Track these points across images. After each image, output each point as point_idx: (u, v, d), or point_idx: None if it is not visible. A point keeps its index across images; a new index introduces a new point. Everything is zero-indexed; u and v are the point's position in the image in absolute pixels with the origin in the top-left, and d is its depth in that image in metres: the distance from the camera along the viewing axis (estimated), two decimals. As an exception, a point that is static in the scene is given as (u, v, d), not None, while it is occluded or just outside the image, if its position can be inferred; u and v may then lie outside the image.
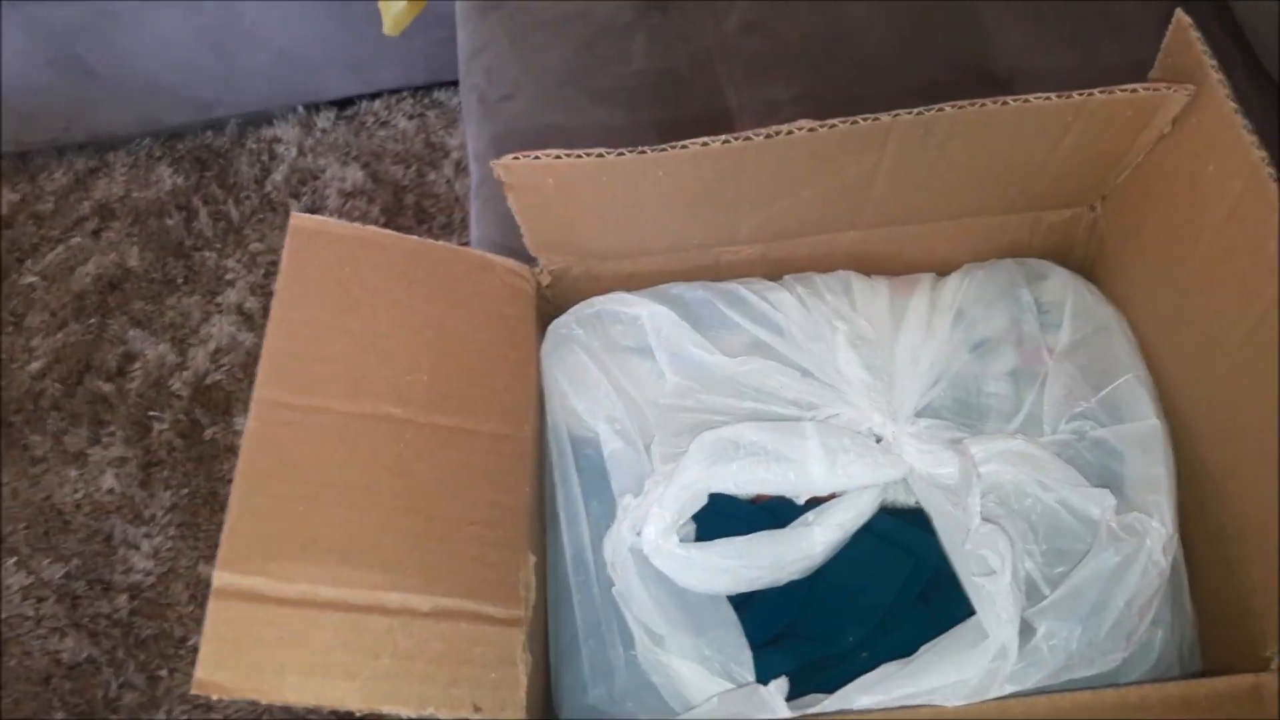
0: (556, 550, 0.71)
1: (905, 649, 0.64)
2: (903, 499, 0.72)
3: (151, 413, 1.41)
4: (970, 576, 0.63)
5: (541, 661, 0.69)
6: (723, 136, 0.64)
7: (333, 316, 0.70)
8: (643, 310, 0.76)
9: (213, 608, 0.58)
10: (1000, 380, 0.73)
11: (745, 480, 0.68)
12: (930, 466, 0.69)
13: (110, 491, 1.37)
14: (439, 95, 1.60)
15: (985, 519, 0.65)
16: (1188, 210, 0.68)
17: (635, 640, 0.66)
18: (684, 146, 0.65)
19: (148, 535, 1.34)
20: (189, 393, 1.43)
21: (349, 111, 1.60)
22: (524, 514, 0.68)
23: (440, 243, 0.75)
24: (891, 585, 0.70)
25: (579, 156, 0.65)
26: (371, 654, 0.59)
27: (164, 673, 1.27)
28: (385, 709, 0.58)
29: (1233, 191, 0.63)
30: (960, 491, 0.66)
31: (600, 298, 0.78)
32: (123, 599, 1.31)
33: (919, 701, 0.60)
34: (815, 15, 1.07)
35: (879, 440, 0.71)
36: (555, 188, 0.68)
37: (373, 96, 1.60)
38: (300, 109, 1.60)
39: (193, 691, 0.56)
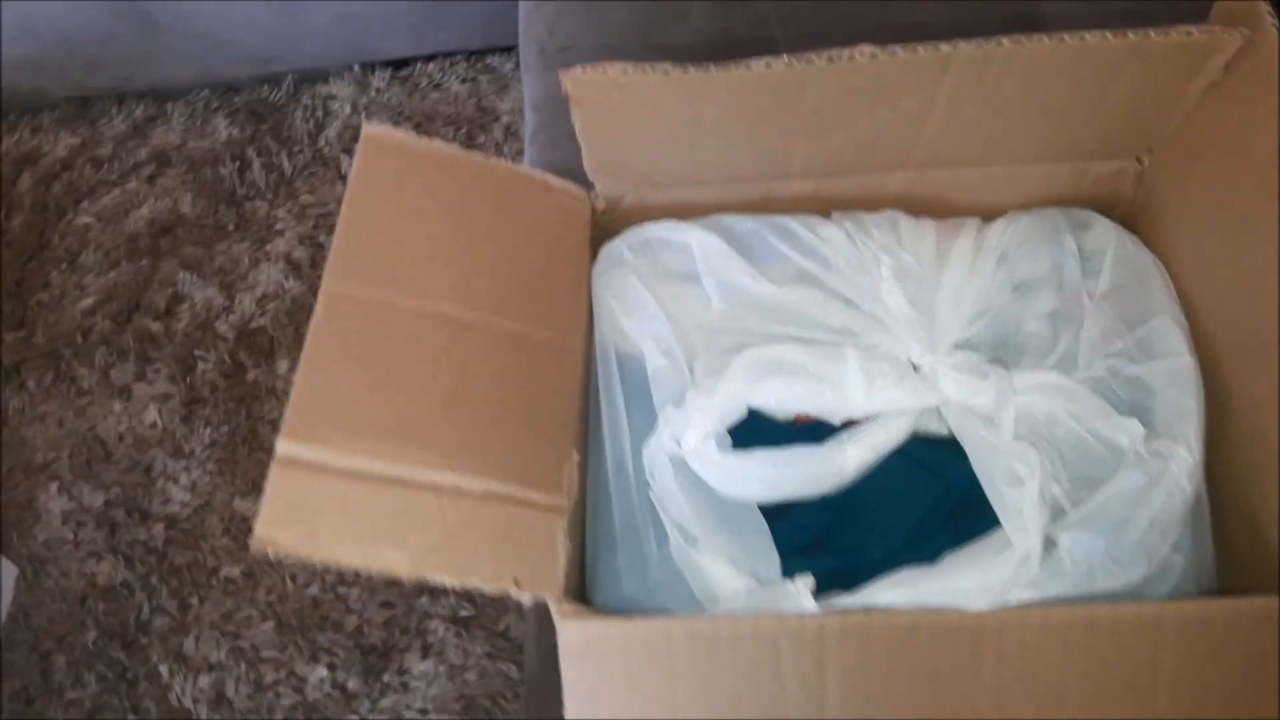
0: (598, 456, 0.73)
1: (929, 565, 0.66)
2: (935, 428, 0.74)
3: (197, 352, 1.45)
4: (999, 487, 0.65)
5: (578, 555, 0.71)
6: (785, 58, 0.66)
7: (399, 222, 0.73)
8: (693, 238, 0.78)
9: (275, 472, 0.60)
10: (1039, 320, 0.75)
11: (784, 396, 0.70)
12: (965, 396, 0.70)
13: (153, 425, 1.41)
14: (493, 60, 1.61)
15: (1016, 439, 0.66)
16: (1237, 156, 0.69)
17: (669, 539, 0.68)
18: (747, 67, 0.67)
19: (186, 469, 1.38)
20: (234, 335, 1.46)
21: (404, 72, 1.62)
22: (572, 417, 0.71)
23: (505, 162, 0.78)
24: (919, 504, 0.72)
25: (645, 72, 0.68)
26: (421, 527, 0.62)
27: (195, 600, 1.30)
28: (431, 577, 0.60)
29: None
30: (995, 411, 0.68)
31: (652, 224, 0.80)
32: (159, 528, 1.35)
33: (942, 601, 0.61)
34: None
35: (916, 370, 0.73)
36: (620, 104, 0.71)
37: (428, 58, 1.61)
38: (356, 68, 1.62)
39: (252, 547, 0.58)
